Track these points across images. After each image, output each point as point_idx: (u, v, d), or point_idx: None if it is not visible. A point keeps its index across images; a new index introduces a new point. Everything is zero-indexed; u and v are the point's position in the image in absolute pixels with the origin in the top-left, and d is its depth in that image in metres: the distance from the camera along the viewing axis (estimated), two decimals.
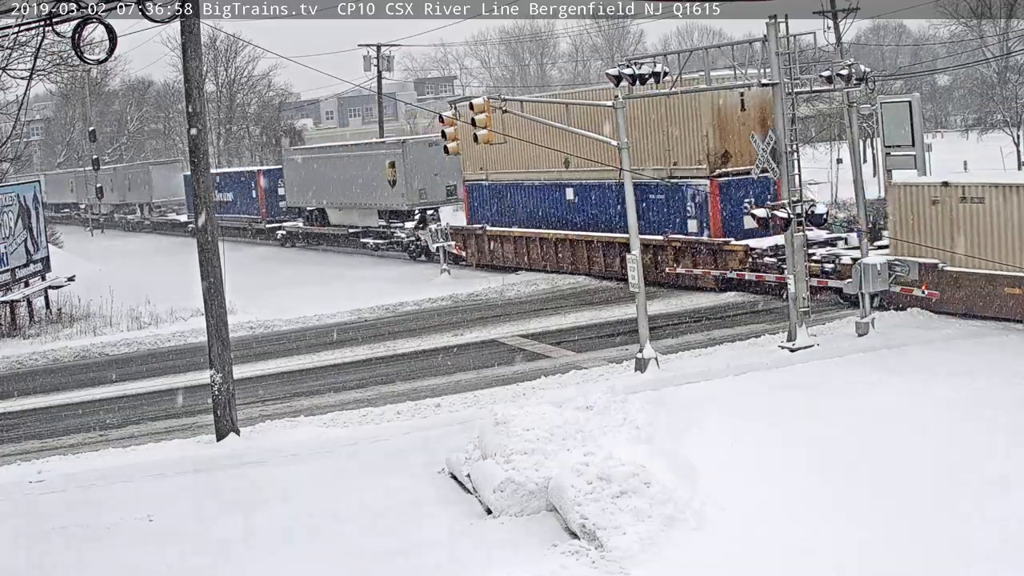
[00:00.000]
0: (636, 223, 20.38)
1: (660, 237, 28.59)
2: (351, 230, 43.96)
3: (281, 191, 49.52)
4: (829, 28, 44.80)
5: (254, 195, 51.80)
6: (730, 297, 26.80)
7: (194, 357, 23.82)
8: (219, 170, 57.57)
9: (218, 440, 17.59)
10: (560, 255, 32.65)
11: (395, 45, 58.90)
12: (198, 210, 17.83)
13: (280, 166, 47.65)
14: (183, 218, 58.82)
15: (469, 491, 14.14)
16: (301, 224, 48.38)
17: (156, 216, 64.98)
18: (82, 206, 72.21)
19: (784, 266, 22.42)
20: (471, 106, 20.54)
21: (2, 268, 30.90)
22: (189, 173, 53.98)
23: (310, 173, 46.31)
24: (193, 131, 17.76)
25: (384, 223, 42.13)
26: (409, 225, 39.98)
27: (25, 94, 29.28)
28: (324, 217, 46.47)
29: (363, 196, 42.28)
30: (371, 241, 42.42)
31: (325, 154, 46.38)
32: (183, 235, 54.65)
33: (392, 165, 40.41)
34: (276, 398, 21.17)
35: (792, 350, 20.15)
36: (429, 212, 39.85)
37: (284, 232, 49.47)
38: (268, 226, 51.07)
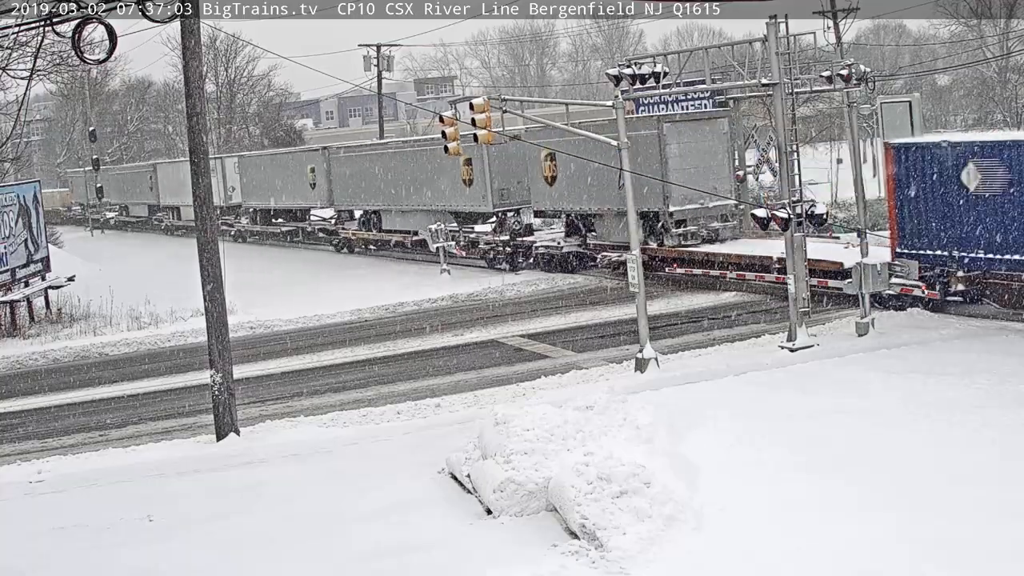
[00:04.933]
0: (636, 221, 20.41)
1: None
2: None
3: None
4: (829, 28, 44.82)
5: None
6: (730, 297, 26.79)
7: (194, 357, 23.82)
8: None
9: (218, 440, 17.60)
10: None
11: (395, 45, 58.88)
12: (199, 212, 17.80)
13: None
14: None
15: (469, 491, 14.14)
16: None
17: None
18: (315, 209, 46.45)
19: None
20: (471, 106, 20.52)
21: (2, 268, 30.92)
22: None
23: None
24: (193, 131, 17.76)
25: None
26: None
27: (25, 94, 29.39)
28: None
29: None
30: None
31: None
32: None
33: None
34: (276, 398, 21.17)
35: (792, 350, 20.15)
36: None
37: None
38: None
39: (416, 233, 37.98)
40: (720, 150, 29.38)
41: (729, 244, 28.29)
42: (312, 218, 47.50)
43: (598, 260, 30.98)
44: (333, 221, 44.95)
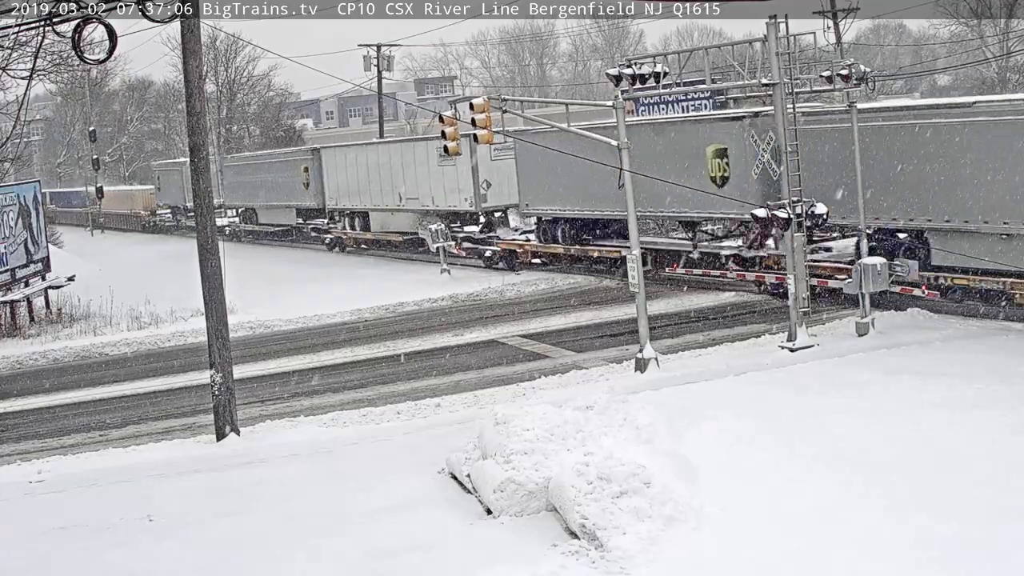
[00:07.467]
0: (635, 222, 20.41)
1: None
2: None
3: None
4: (829, 28, 44.86)
5: None
6: (730, 297, 26.77)
7: (194, 357, 23.81)
8: None
9: (218, 440, 17.60)
10: None
11: (395, 45, 58.86)
12: (199, 211, 17.81)
13: None
14: None
15: (469, 491, 14.13)
16: None
17: None
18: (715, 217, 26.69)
19: None
20: (471, 106, 20.51)
21: (2, 268, 30.93)
22: None
23: None
24: (193, 131, 17.77)
25: None
26: None
27: (25, 94, 29.44)
28: None
29: None
30: None
31: None
32: None
33: None
34: (276, 398, 21.17)
35: (792, 350, 20.14)
36: None
37: None
38: None
39: None
40: None
41: None
42: (702, 232, 27.81)
43: None
44: (749, 243, 25.40)
